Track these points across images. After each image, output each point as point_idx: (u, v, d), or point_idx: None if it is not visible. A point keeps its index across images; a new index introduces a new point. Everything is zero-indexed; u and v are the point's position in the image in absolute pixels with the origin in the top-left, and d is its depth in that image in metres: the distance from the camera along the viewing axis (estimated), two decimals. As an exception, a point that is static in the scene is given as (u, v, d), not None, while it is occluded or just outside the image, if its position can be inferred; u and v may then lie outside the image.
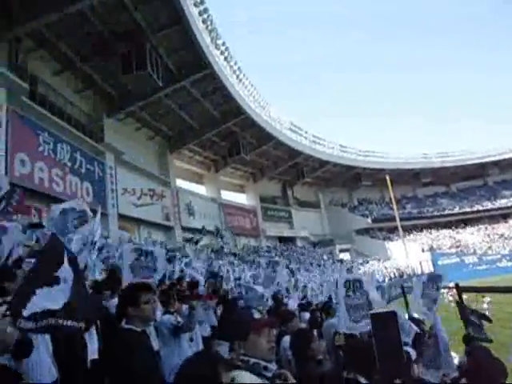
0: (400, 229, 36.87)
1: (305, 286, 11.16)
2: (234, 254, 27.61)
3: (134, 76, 17.47)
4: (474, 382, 2.26)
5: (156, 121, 24.52)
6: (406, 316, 4.43)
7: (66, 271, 1.94)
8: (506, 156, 46.88)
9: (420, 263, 33.16)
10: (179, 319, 4.01)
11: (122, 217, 20.55)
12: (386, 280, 27.82)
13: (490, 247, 38.31)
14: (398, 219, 37.15)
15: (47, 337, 2.34)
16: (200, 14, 20.66)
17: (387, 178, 38.70)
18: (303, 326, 4.24)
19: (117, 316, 2.23)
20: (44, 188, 15.49)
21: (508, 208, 45.10)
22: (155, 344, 4.14)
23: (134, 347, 1.99)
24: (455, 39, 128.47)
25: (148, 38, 17.27)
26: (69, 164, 17.22)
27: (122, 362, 1.89)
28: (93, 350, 3.13)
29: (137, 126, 24.16)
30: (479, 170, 48.62)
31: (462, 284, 5.72)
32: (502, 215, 45.17)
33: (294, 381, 1.72)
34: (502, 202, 45.89)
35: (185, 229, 26.66)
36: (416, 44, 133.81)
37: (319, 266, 32.91)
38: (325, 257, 37.35)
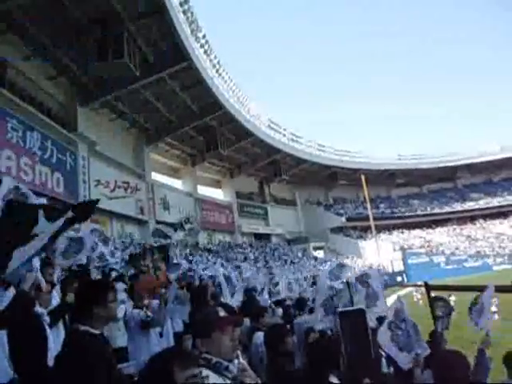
0: (373, 228, 37.67)
1: (278, 283, 11.16)
2: (209, 250, 27.46)
3: (110, 64, 16.94)
4: (437, 375, 2.29)
5: (132, 112, 23.96)
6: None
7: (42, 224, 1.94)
8: (476, 160, 48.65)
9: (391, 262, 34.04)
10: (149, 314, 3.90)
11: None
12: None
13: (457, 248, 39.74)
14: (371, 218, 37.92)
15: (3, 337, 2.20)
16: (181, 4, 20.30)
17: (363, 177, 39.40)
18: (276, 321, 4.21)
19: (77, 316, 2.04)
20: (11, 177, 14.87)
21: (475, 210, 46.91)
22: (123, 341, 4.03)
23: (89, 353, 1.79)
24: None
25: (126, 25, 16.79)
26: (39, 153, 16.59)
27: (75, 370, 1.73)
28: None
29: (112, 116, 23.54)
30: (450, 173, 50.28)
31: (430, 283, 5.86)
32: (470, 217, 46.94)
33: (254, 381, 1.67)
34: (470, 205, 47.67)
35: (159, 223, 26.24)
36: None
37: (293, 263, 33.19)
38: (299, 254, 37.70)
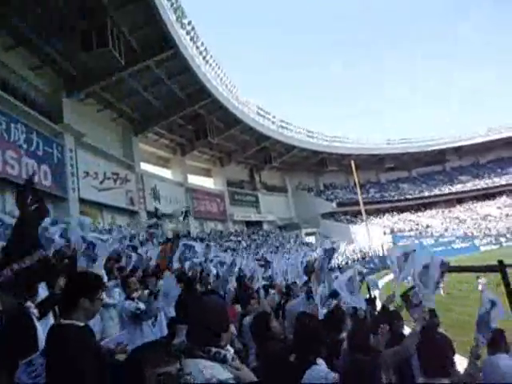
0: (363, 213, 38.00)
1: (269, 268, 11.26)
2: (201, 239, 27.48)
3: (94, 54, 16.58)
4: (423, 357, 2.36)
5: (119, 102, 23.58)
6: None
7: None
8: (464, 143, 49.16)
9: (381, 245, 34.47)
10: (140, 305, 3.93)
11: (83, 201, 19.84)
12: (350, 263, 28.77)
13: (445, 229, 40.40)
14: (361, 203, 38.23)
15: None
16: (164, -10, 19.84)
17: (352, 163, 39.57)
18: (267, 307, 4.28)
19: (64, 308, 2.01)
20: (-3, 171, 14.64)
21: (463, 193, 47.59)
22: (116, 330, 4.06)
23: (74, 345, 1.76)
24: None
25: (109, 13, 16.39)
26: (24, 146, 16.30)
27: (61, 363, 1.71)
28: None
29: (98, 107, 23.14)
30: (439, 156, 50.76)
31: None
32: (458, 199, 47.63)
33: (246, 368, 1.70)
34: (458, 187, 48.32)
35: (150, 214, 26.17)
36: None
37: (285, 249, 33.43)
38: (291, 240, 37.95)
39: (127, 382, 1.22)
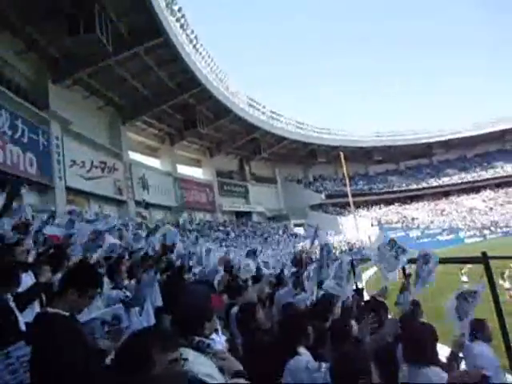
0: (352, 204, 38.30)
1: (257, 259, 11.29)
2: (189, 230, 27.41)
3: (81, 39, 16.20)
4: (405, 346, 2.40)
5: (107, 89, 23.16)
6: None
7: None
8: (451, 137, 49.72)
9: (369, 237, 34.88)
10: (128, 294, 3.90)
11: (70, 190, 19.57)
12: (337, 253, 29.04)
13: (432, 222, 41.03)
14: (350, 195, 38.49)
15: None
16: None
17: (341, 155, 39.71)
18: (254, 297, 4.29)
19: (54, 297, 1.97)
20: (-20, 158, 14.32)
21: (450, 186, 48.29)
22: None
23: (60, 333, 1.71)
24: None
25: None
26: (9, 132, 15.94)
27: (48, 353, 1.68)
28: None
29: (85, 94, 22.69)
30: (426, 150, 51.28)
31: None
32: (444, 192, 48.33)
33: (232, 358, 1.70)
34: (444, 180, 49.01)
35: (138, 203, 25.97)
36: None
37: (273, 240, 33.61)
38: (280, 231, 38.13)
39: (132, 365, 1.19)
